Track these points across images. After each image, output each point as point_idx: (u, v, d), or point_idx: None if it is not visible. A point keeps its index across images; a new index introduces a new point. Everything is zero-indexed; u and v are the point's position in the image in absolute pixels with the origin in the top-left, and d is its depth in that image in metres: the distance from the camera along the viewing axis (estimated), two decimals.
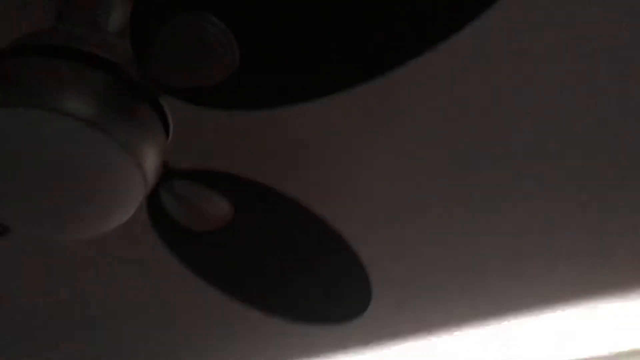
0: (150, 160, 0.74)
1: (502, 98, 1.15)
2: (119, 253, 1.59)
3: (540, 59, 1.08)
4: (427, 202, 1.37)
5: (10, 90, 0.67)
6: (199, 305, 1.78)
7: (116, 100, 0.70)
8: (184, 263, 1.05)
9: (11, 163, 0.68)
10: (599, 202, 1.35)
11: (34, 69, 0.69)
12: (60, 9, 0.84)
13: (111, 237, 1.54)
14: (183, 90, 0.72)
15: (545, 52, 1.07)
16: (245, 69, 0.68)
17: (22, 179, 0.69)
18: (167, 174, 0.87)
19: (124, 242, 1.55)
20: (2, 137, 0.67)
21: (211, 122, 1.22)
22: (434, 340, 1.87)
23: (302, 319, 1.13)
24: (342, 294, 1.08)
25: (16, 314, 1.85)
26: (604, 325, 1.77)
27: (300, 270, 1.05)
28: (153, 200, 0.93)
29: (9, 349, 2.03)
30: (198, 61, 0.66)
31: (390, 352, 1.94)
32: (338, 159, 1.28)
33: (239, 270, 1.05)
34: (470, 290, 1.65)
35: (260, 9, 0.61)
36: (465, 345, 1.90)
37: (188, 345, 1.99)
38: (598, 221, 1.40)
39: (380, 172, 1.31)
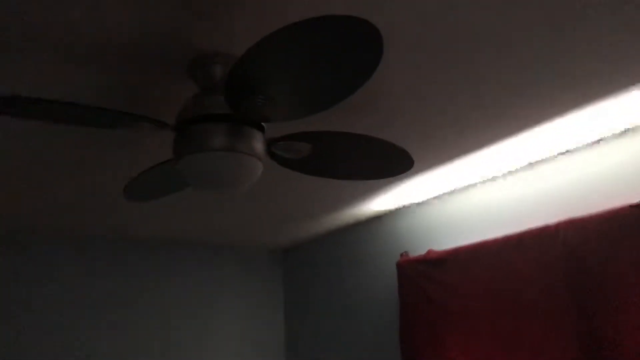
0: (261, 149, 1.57)
1: None
2: None
3: None
4: None
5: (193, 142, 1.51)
6: None
7: (242, 134, 1.51)
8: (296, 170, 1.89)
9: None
10: None
11: (206, 129, 1.51)
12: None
13: None
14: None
15: None
16: None
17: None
18: (271, 141, 1.64)
19: None
20: (196, 168, 1.50)
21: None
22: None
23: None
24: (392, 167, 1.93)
25: None
26: None
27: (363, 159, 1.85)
28: (270, 154, 1.75)
29: None
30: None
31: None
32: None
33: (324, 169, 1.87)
34: None
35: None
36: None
37: None
38: None
39: None
